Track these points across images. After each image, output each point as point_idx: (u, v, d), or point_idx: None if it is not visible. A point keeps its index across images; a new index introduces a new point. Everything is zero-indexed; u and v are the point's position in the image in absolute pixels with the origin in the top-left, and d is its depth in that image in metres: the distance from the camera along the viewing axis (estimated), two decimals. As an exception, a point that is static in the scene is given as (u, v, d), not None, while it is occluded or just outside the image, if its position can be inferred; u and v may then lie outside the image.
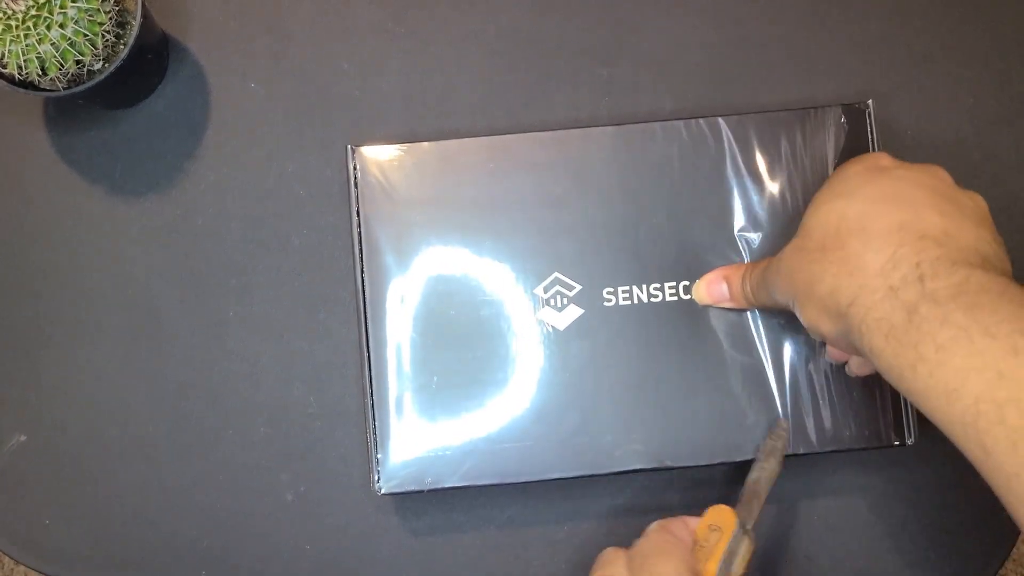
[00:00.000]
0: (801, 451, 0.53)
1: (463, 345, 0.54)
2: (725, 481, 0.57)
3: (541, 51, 0.60)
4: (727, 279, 0.53)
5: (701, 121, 0.55)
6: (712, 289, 0.53)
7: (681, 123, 0.55)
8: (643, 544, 0.48)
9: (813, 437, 0.53)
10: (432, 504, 0.58)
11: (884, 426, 0.54)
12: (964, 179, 0.59)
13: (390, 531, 0.57)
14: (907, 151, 0.59)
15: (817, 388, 0.54)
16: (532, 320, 0.54)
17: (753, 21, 0.60)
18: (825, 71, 0.60)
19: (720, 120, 0.55)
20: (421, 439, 0.54)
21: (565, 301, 0.54)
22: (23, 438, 0.58)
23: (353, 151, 0.55)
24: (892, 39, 0.60)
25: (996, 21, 0.61)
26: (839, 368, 0.54)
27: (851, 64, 0.59)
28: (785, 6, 0.60)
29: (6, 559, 0.57)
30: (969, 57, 0.60)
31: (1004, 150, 0.60)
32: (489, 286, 0.54)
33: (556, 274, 0.54)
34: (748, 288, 0.51)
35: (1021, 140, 0.60)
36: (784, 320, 0.54)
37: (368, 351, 0.54)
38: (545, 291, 0.54)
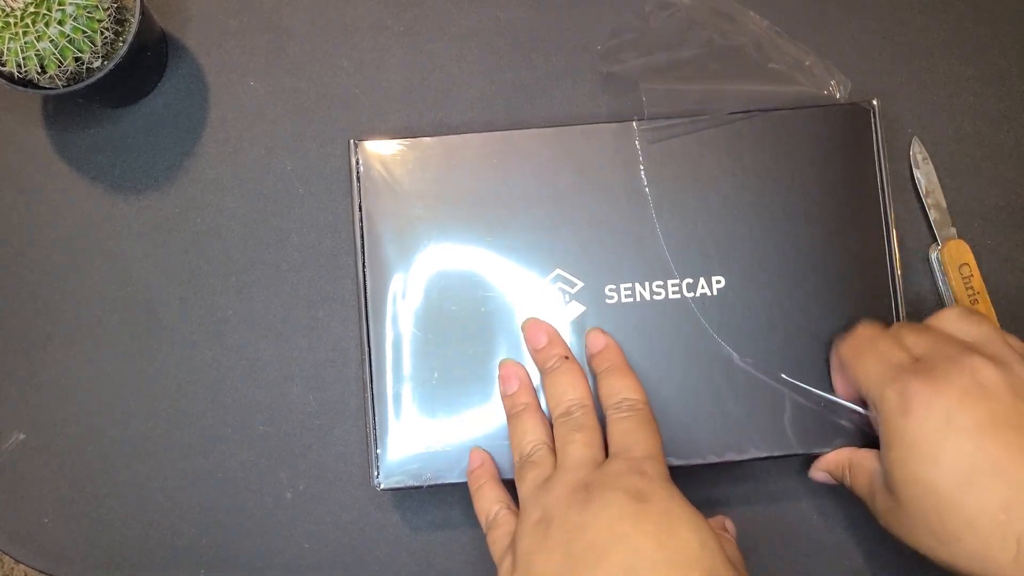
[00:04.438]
0: (800, 451, 0.53)
1: (464, 341, 0.54)
2: (726, 480, 0.57)
3: (540, 47, 0.60)
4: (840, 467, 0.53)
5: (704, 118, 0.55)
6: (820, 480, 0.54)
7: (685, 120, 0.55)
8: None
9: (814, 436, 0.53)
10: (431, 502, 0.57)
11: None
12: (964, 176, 0.59)
13: (389, 528, 0.57)
14: (907, 149, 0.59)
15: (818, 388, 0.54)
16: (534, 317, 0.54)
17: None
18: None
19: (723, 117, 0.55)
20: (421, 435, 0.54)
21: (567, 298, 0.54)
22: (22, 436, 0.58)
23: (356, 145, 0.55)
24: (892, 37, 0.60)
25: (996, 19, 0.61)
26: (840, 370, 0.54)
27: (851, 62, 0.59)
28: (785, 3, 0.60)
29: (6, 557, 0.57)
30: (969, 55, 0.60)
31: (1004, 148, 0.59)
32: (491, 282, 0.54)
33: (558, 271, 0.54)
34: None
35: (1021, 138, 0.60)
36: (782, 319, 0.54)
37: (368, 346, 0.54)
38: (547, 288, 0.54)
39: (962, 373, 0.45)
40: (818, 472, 0.54)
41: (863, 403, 0.51)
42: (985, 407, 0.44)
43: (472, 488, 0.52)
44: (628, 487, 0.45)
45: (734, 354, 0.54)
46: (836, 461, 0.53)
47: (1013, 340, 0.47)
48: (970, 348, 0.46)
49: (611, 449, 0.49)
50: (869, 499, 0.49)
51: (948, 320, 0.49)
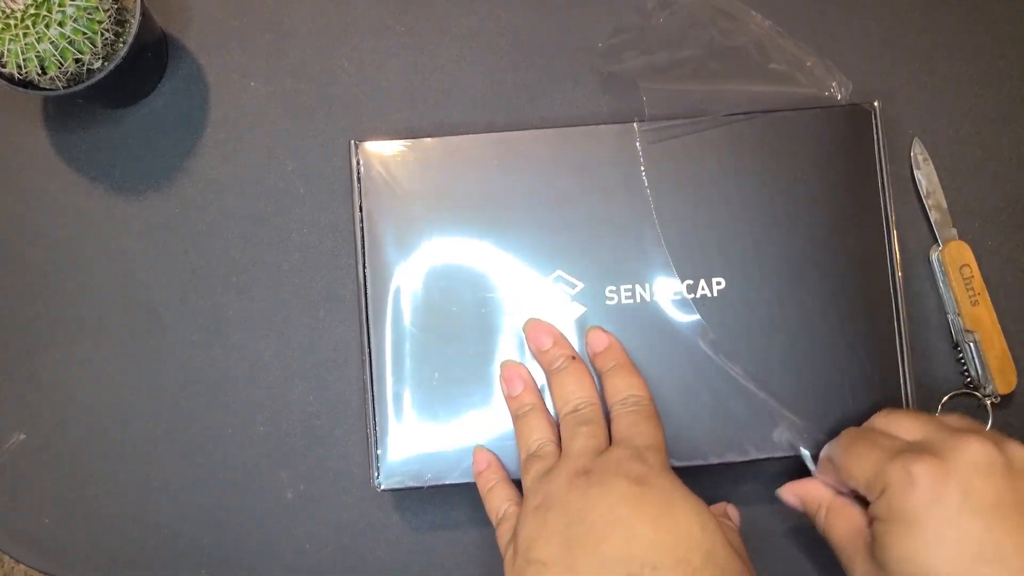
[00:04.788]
0: (802, 451, 0.53)
1: (464, 341, 0.54)
2: (725, 481, 0.57)
3: (541, 48, 0.60)
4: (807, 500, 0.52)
5: (705, 118, 0.55)
6: (792, 492, 0.52)
7: (685, 121, 0.55)
8: None
9: (815, 439, 0.53)
10: (432, 502, 0.58)
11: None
12: (965, 177, 0.59)
13: (390, 529, 0.57)
14: (908, 150, 0.59)
15: (819, 390, 0.54)
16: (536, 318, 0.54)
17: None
18: (826, 69, 0.60)
19: (724, 118, 0.55)
20: (421, 435, 0.54)
21: (567, 299, 0.54)
22: (23, 436, 0.58)
23: (356, 146, 0.55)
24: (893, 38, 0.60)
25: (997, 21, 0.61)
26: (845, 373, 0.54)
27: (852, 63, 0.59)
28: (785, 4, 0.60)
29: (6, 557, 0.58)
30: (969, 56, 0.60)
31: (1005, 149, 0.59)
32: (491, 283, 0.54)
33: (559, 271, 0.54)
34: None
35: (1021, 139, 0.60)
36: (782, 321, 0.54)
37: (369, 347, 0.54)
38: (548, 288, 0.54)
39: (968, 451, 0.43)
40: (790, 496, 0.52)
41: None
42: (992, 487, 0.42)
43: (483, 489, 0.52)
44: (628, 473, 0.45)
45: (735, 356, 0.54)
46: (814, 497, 0.51)
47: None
48: (967, 430, 0.46)
49: (614, 439, 0.49)
50: (847, 557, 0.48)
51: (931, 415, 0.49)
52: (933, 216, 0.58)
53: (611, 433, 0.50)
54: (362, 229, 0.55)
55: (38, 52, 0.51)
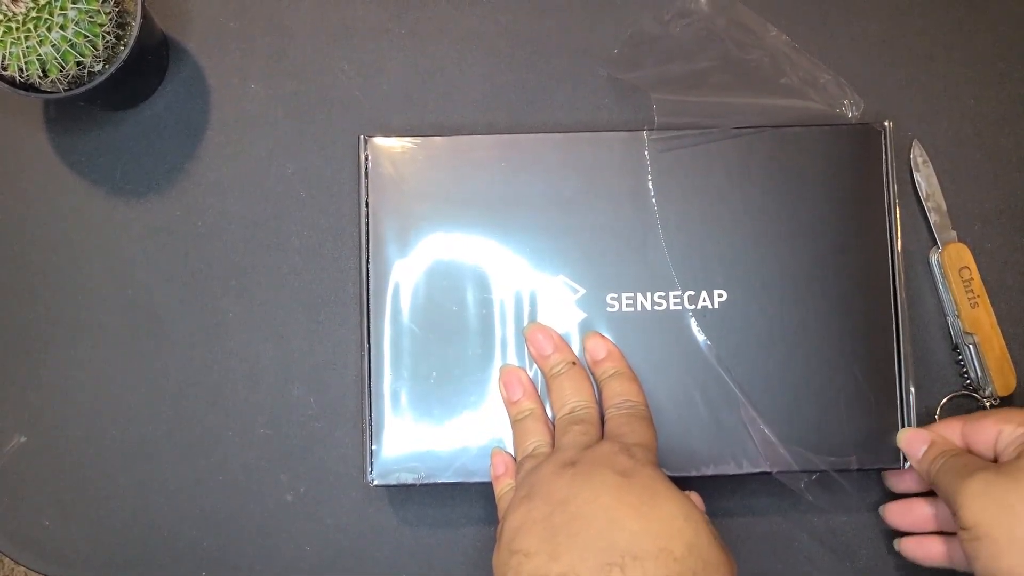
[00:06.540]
0: (795, 468, 0.53)
1: (463, 341, 0.54)
2: (717, 493, 0.57)
3: (541, 51, 0.60)
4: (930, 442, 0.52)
5: (714, 131, 0.55)
6: (912, 442, 0.53)
7: (695, 132, 0.55)
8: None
9: (813, 456, 0.53)
10: (432, 503, 0.58)
11: (882, 449, 0.54)
12: (964, 179, 0.59)
13: (390, 530, 0.58)
14: (907, 151, 0.59)
15: (816, 406, 0.54)
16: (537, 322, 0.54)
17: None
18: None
19: (733, 131, 0.55)
20: (417, 433, 0.54)
21: (568, 304, 0.54)
22: (23, 439, 0.58)
23: (365, 141, 0.55)
24: (893, 39, 0.60)
25: (996, 21, 0.61)
26: (842, 389, 0.54)
27: (851, 64, 0.59)
28: (785, 6, 0.60)
29: (6, 559, 0.58)
30: (969, 57, 0.60)
31: (1005, 150, 0.60)
32: (493, 284, 0.54)
33: (561, 276, 0.54)
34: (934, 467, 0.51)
35: (1021, 140, 0.60)
36: (781, 335, 0.54)
37: (368, 342, 0.54)
38: (549, 293, 0.54)
39: None
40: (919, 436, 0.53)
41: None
42: None
43: (499, 493, 0.53)
44: (615, 465, 0.46)
45: (733, 370, 0.54)
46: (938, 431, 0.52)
47: None
48: None
49: (605, 436, 0.50)
50: (965, 471, 0.48)
51: None
52: (932, 218, 0.58)
53: (603, 433, 0.51)
54: (367, 224, 0.55)
55: (40, 55, 0.51)
